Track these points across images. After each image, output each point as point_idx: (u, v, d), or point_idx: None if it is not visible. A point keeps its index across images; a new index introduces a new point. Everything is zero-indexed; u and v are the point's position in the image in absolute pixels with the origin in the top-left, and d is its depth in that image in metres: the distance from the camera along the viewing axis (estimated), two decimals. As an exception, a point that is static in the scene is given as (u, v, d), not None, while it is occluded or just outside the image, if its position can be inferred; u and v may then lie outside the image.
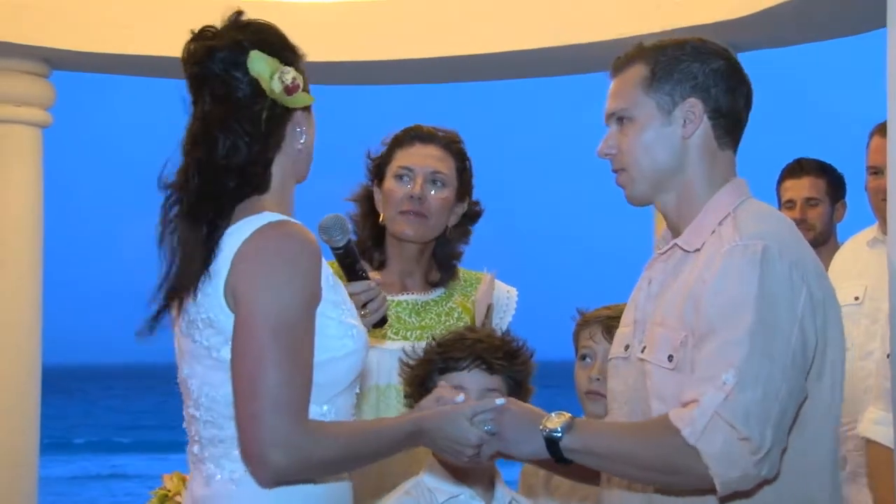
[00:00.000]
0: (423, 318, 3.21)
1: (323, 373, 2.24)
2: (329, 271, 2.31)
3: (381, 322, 2.71)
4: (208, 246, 2.25)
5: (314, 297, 2.23)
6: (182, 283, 2.27)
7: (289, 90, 2.28)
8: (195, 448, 2.32)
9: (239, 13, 2.34)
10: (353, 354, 2.29)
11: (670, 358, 2.32)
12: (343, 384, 2.30)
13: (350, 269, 2.66)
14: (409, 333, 3.13)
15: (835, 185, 4.67)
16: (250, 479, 2.24)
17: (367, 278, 2.66)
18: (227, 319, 2.23)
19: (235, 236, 2.23)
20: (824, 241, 4.63)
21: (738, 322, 2.22)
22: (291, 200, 2.37)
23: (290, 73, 2.28)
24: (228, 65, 2.29)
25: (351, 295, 2.60)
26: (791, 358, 2.23)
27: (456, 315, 3.23)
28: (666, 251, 2.47)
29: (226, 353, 2.23)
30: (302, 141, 2.34)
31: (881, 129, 3.92)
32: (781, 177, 4.74)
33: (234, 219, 2.26)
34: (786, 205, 4.68)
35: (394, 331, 3.15)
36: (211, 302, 2.24)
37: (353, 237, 2.90)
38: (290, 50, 2.34)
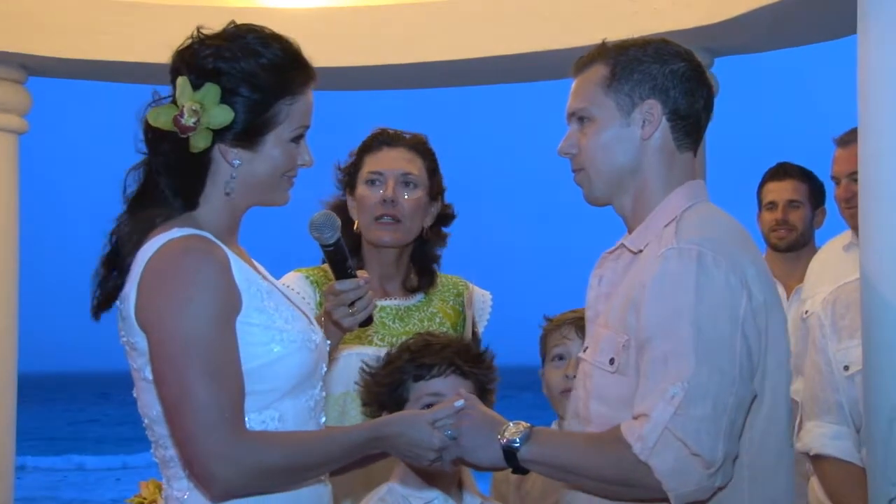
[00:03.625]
0: (406, 323, 3.21)
1: (254, 380, 2.23)
2: (253, 277, 2.30)
3: (368, 321, 2.70)
4: (117, 263, 2.28)
5: (226, 308, 2.21)
6: (101, 299, 2.31)
7: (182, 130, 2.25)
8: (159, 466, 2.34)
9: (199, 28, 2.34)
10: (286, 358, 2.28)
11: (612, 361, 2.32)
12: (282, 389, 2.28)
13: (339, 267, 2.64)
14: (394, 339, 3.12)
15: (816, 190, 4.74)
16: (198, 495, 2.25)
17: (355, 276, 2.65)
18: (143, 342, 2.23)
19: (143, 256, 2.24)
20: (804, 244, 4.69)
21: (676, 332, 2.21)
22: (231, 219, 2.35)
23: (186, 117, 2.24)
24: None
25: (339, 293, 2.61)
26: (738, 367, 2.22)
27: (438, 320, 3.24)
28: (614, 250, 2.47)
29: (150, 374, 2.24)
30: (233, 175, 2.30)
31: (840, 139, 3.98)
32: (764, 179, 4.79)
33: (151, 236, 2.26)
34: (767, 206, 4.73)
35: (379, 337, 3.15)
36: (128, 326, 2.26)
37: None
38: (215, 72, 2.27)
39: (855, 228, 4.05)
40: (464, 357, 2.76)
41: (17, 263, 5.53)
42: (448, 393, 2.68)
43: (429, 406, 2.68)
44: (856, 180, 3.96)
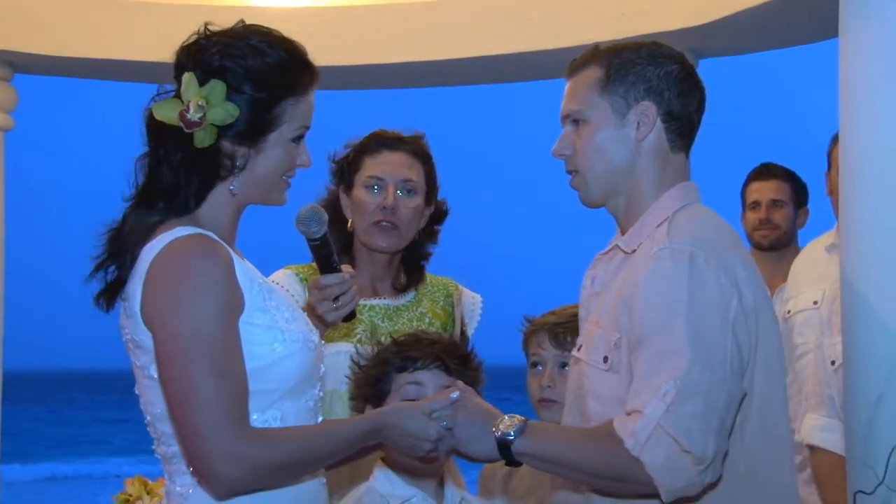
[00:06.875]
0: (395, 322, 3.22)
1: (256, 380, 2.24)
2: (256, 277, 2.31)
3: (351, 316, 2.71)
4: (122, 260, 2.28)
5: (230, 307, 2.22)
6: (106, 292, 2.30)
7: (188, 125, 2.25)
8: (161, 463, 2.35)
9: (206, 25, 2.34)
10: (287, 358, 2.29)
11: (605, 359, 2.35)
12: (284, 389, 2.30)
13: (325, 262, 2.64)
14: (383, 339, 3.13)
15: (799, 190, 4.80)
16: (200, 492, 2.25)
17: (340, 271, 2.65)
18: (149, 339, 2.23)
19: (148, 254, 2.24)
20: (787, 244, 4.74)
21: (671, 330, 2.24)
22: (232, 218, 2.36)
23: (192, 112, 2.24)
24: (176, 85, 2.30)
25: (324, 287, 2.62)
26: (729, 366, 2.25)
27: (427, 320, 3.25)
28: (608, 251, 2.50)
29: (155, 372, 2.24)
30: (237, 173, 2.30)
31: None
32: (748, 179, 4.84)
33: (156, 234, 2.26)
34: (750, 206, 4.78)
35: (367, 336, 3.15)
36: (133, 324, 2.26)
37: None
38: (223, 71, 2.28)
39: None
40: (451, 355, 2.78)
41: (2, 261, 5.52)
42: (429, 385, 2.70)
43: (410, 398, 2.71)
44: None
